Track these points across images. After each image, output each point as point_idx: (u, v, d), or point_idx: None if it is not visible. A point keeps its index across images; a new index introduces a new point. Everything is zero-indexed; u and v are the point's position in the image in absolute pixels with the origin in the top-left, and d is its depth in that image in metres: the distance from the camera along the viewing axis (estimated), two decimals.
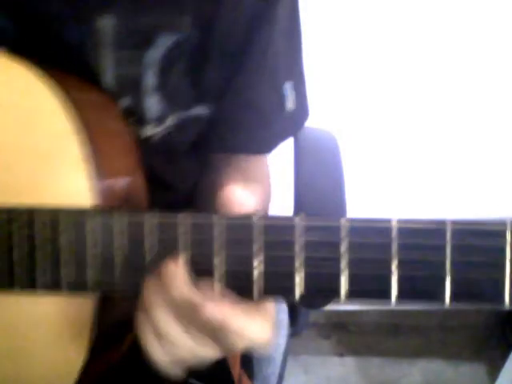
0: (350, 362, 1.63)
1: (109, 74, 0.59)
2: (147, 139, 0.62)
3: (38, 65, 0.52)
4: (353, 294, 0.43)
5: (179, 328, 0.45)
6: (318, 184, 0.79)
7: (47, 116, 0.50)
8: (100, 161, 0.50)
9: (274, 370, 0.83)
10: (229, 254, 0.44)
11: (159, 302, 0.45)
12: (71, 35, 0.58)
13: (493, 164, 1.48)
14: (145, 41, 0.59)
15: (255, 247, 0.44)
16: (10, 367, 0.53)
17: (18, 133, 0.51)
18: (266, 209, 0.72)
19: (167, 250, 0.45)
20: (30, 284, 0.48)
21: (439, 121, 1.43)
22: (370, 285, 0.42)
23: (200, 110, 0.66)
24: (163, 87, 0.61)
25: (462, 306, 0.42)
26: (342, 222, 0.42)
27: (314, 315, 1.65)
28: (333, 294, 0.43)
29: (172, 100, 0.62)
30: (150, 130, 0.62)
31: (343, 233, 0.42)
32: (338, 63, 1.36)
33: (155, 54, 0.60)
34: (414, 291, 0.42)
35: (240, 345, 0.44)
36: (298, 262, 0.43)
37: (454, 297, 0.41)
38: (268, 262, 0.44)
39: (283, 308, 0.86)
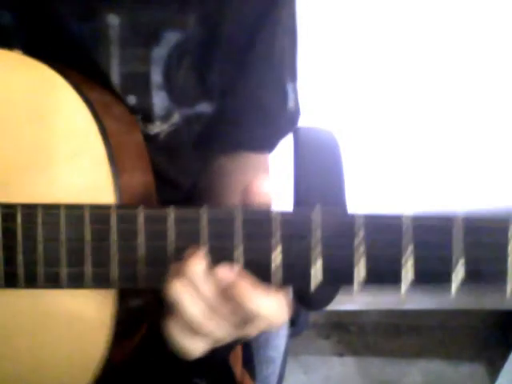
0: (349, 361, 1.63)
1: (116, 71, 0.59)
2: (154, 136, 0.63)
3: (55, 64, 0.52)
4: (368, 281, 0.44)
5: (213, 319, 0.46)
6: (319, 183, 0.78)
7: (70, 115, 0.51)
8: (119, 159, 0.51)
9: (274, 370, 0.83)
10: (248, 246, 0.46)
11: (189, 300, 0.45)
12: (78, 33, 0.59)
13: (492, 157, 1.48)
14: (151, 38, 0.60)
15: (273, 240, 0.45)
16: (32, 363, 0.53)
17: (41, 132, 0.51)
18: None
19: (188, 243, 0.46)
20: (53, 279, 0.49)
21: (439, 120, 1.43)
22: (384, 271, 0.44)
23: (204, 107, 0.66)
24: (169, 84, 0.62)
25: (472, 288, 0.43)
26: (357, 213, 0.44)
27: (314, 315, 1.65)
28: (349, 281, 0.45)
29: (177, 97, 0.63)
30: (157, 128, 0.63)
31: (358, 221, 0.44)
32: (339, 63, 1.36)
33: (161, 51, 0.60)
34: (426, 275, 0.44)
35: (261, 325, 0.46)
36: (316, 255, 0.45)
37: (465, 279, 0.43)
38: (286, 254, 0.45)
39: None
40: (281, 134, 0.73)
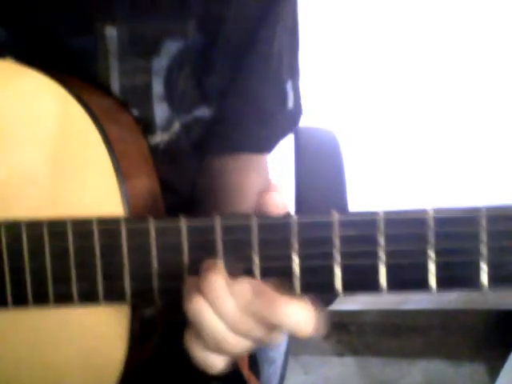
0: (350, 361, 1.63)
1: (116, 84, 0.58)
2: (154, 146, 0.62)
3: (51, 71, 0.51)
4: (393, 286, 0.43)
5: (235, 336, 0.44)
6: (319, 184, 0.78)
7: (76, 126, 0.50)
8: (125, 166, 0.50)
9: (275, 371, 0.83)
10: (266, 254, 0.44)
11: (210, 318, 0.44)
12: (76, 47, 0.58)
13: (493, 155, 1.48)
14: (150, 49, 0.59)
15: (293, 245, 0.44)
16: (47, 379, 0.52)
17: (40, 143, 0.50)
18: None
19: (203, 254, 0.45)
20: (64, 297, 0.48)
21: (440, 120, 1.43)
22: (408, 275, 0.43)
23: (202, 112, 0.66)
24: (170, 94, 0.61)
25: (500, 290, 0.43)
26: (378, 214, 0.43)
27: None
28: (373, 286, 0.43)
29: (177, 105, 0.62)
30: (158, 138, 0.62)
31: (380, 225, 0.43)
32: (340, 63, 1.36)
33: (162, 61, 0.59)
34: (452, 279, 0.43)
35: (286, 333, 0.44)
36: (337, 258, 0.44)
37: (491, 282, 0.42)
38: (306, 259, 0.44)
39: None
40: (281, 135, 0.73)
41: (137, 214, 0.50)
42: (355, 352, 1.65)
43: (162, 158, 0.62)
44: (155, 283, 0.46)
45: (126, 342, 0.50)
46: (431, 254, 0.43)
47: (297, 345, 1.57)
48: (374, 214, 0.43)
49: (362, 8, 1.31)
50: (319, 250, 0.44)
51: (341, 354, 1.65)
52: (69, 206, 0.49)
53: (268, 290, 0.43)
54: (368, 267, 0.43)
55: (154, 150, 0.61)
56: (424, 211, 0.43)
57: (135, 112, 0.59)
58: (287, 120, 0.72)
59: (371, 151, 1.46)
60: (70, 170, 0.50)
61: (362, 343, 1.67)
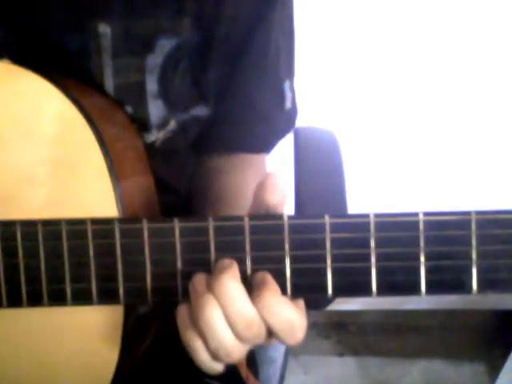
0: (349, 361, 1.63)
1: (110, 82, 0.58)
2: (150, 144, 0.62)
3: (46, 72, 0.51)
4: (383, 289, 0.43)
5: (237, 339, 0.43)
6: (319, 184, 0.78)
7: (70, 127, 0.50)
8: (119, 166, 0.50)
9: (275, 370, 0.83)
10: (258, 255, 0.44)
11: (218, 323, 0.42)
12: (70, 45, 0.57)
13: (493, 158, 1.47)
14: (144, 46, 0.58)
15: (284, 247, 0.44)
16: (44, 378, 0.52)
17: (42, 146, 0.50)
18: None
19: (196, 255, 0.45)
20: (58, 297, 0.48)
21: (440, 119, 1.43)
22: (399, 278, 0.43)
23: (199, 111, 0.66)
24: (165, 92, 0.61)
25: (490, 294, 0.43)
26: (370, 217, 0.43)
27: (314, 315, 1.64)
28: (363, 290, 0.44)
29: (173, 103, 0.62)
30: (153, 136, 0.62)
31: (371, 229, 0.43)
32: (339, 63, 1.36)
33: (156, 59, 0.59)
34: (441, 282, 0.43)
35: (282, 336, 0.43)
36: (328, 260, 0.44)
37: (481, 286, 0.42)
38: (297, 261, 0.44)
39: None
40: (279, 135, 0.73)
41: (131, 214, 0.50)
42: (355, 352, 1.65)
43: (158, 156, 0.62)
44: (148, 283, 0.46)
45: (120, 342, 0.50)
46: (422, 257, 0.43)
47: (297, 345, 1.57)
48: (366, 216, 0.43)
49: (361, 8, 1.31)
50: (310, 253, 0.44)
51: (341, 354, 1.65)
52: (64, 206, 0.49)
53: (268, 291, 0.43)
54: (359, 270, 0.43)
55: (150, 149, 0.61)
56: (415, 215, 0.43)
57: (129, 110, 0.59)
58: (285, 120, 0.72)
59: (371, 151, 1.46)
60: (65, 170, 0.50)
61: (362, 343, 1.67)
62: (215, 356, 0.43)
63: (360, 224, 0.43)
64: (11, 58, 0.52)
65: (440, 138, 1.45)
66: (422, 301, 1.62)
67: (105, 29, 0.57)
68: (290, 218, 0.44)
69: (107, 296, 0.47)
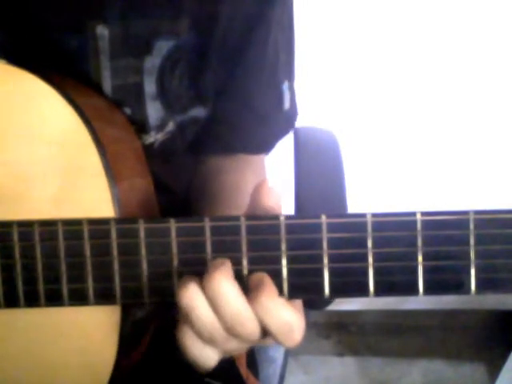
0: (350, 361, 1.63)
1: (108, 83, 0.58)
2: (148, 145, 0.62)
3: (42, 72, 0.51)
4: (381, 290, 0.43)
5: (230, 336, 0.44)
6: (319, 183, 0.78)
7: (68, 128, 0.49)
8: (116, 167, 0.50)
9: (275, 370, 0.83)
10: (254, 255, 0.44)
11: (209, 318, 0.43)
12: (68, 47, 0.57)
13: (491, 158, 1.48)
14: (142, 48, 0.58)
15: (281, 247, 0.44)
16: (42, 378, 0.52)
17: (40, 147, 0.50)
18: None
19: (192, 255, 0.45)
20: (54, 298, 0.48)
21: (439, 119, 1.43)
22: (397, 279, 0.43)
23: (197, 112, 0.66)
24: (163, 93, 0.61)
25: (488, 294, 0.43)
26: (367, 217, 0.43)
27: (314, 315, 1.64)
28: (361, 290, 0.43)
29: (171, 104, 0.62)
30: (152, 138, 0.62)
31: (368, 228, 0.43)
32: (339, 63, 1.36)
33: (154, 60, 0.59)
34: (439, 282, 0.43)
35: (279, 337, 0.43)
36: (325, 260, 0.43)
37: (479, 286, 0.42)
38: (294, 262, 0.44)
39: None
40: (277, 135, 0.73)
41: (129, 215, 0.50)
42: (355, 352, 1.65)
43: (157, 157, 0.62)
44: (144, 283, 0.46)
45: (117, 342, 0.50)
46: (419, 257, 0.43)
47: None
48: (363, 216, 0.43)
49: (361, 8, 1.31)
50: (307, 253, 0.44)
51: (341, 354, 1.65)
52: (61, 207, 0.49)
53: (264, 291, 0.43)
54: (356, 270, 0.43)
55: (149, 150, 0.61)
56: (412, 214, 0.43)
57: (127, 111, 0.59)
58: (284, 121, 0.72)
59: (370, 150, 1.46)
60: (63, 171, 0.50)
61: (362, 343, 1.67)
62: (206, 340, 0.44)
63: (357, 224, 0.43)
64: (8, 58, 0.52)
65: (439, 138, 1.45)
66: (422, 301, 1.62)
67: (103, 30, 0.57)
68: (286, 217, 0.44)
69: (104, 296, 0.47)
